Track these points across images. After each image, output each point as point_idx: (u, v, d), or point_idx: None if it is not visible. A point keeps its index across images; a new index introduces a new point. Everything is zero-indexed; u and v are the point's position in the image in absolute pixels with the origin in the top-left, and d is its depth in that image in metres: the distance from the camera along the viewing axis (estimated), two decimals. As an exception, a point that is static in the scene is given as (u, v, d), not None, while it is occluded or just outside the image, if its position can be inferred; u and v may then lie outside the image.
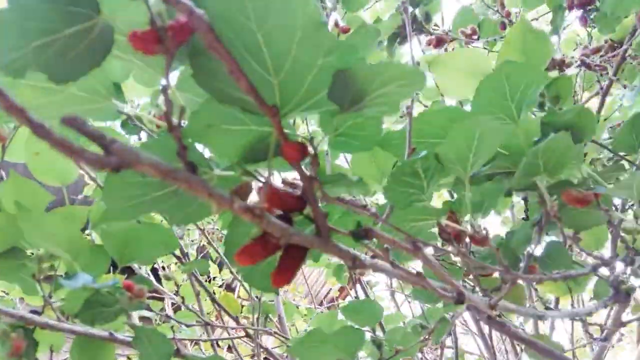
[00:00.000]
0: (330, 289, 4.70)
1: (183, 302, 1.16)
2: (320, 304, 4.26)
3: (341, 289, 4.48)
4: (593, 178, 0.65)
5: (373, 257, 0.48)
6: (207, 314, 1.43)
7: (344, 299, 4.68)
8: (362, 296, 3.36)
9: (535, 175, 0.52)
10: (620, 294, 1.04)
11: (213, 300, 1.22)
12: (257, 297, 1.40)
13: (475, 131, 0.44)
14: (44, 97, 0.55)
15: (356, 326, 0.94)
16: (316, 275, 4.88)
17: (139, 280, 0.89)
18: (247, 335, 1.21)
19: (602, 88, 1.43)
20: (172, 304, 2.21)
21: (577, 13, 1.35)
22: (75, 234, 0.85)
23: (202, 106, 0.45)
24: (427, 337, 0.85)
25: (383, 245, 0.51)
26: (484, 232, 0.50)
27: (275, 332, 1.34)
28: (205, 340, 1.21)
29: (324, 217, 0.46)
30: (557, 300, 1.47)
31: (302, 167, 0.44)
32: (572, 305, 1.17)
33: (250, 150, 0.47)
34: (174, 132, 0.36)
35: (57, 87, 0.55)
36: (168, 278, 1.06)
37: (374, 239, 0.51)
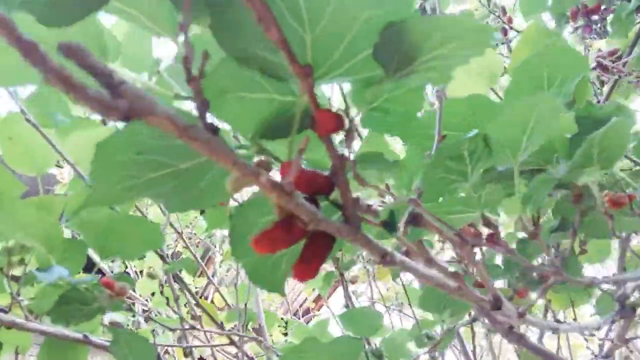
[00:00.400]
0: (306, 298, 4.62)
1: (168, 303, 1.08)
2: (295, 313, 4.18)
3: (317, 299, 4.40)
4: (624, 180, 0.60)
5: (406, 252, 0.42)
6: (183, 319, 1.35)
7: (319, 310, 4.60)
8: (340, 305, 3.27)
9: (587, 167, 0.46)
10: (626, 309, 1.00)
11: (198, 305, 1.14)
12: (245, 304, 1.32)
13: (533, 110, 0.39)
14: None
15: (353, 336, 0.87)
16: (291, 284, 4.80)
17: (120, 278, 0.81)
18: (232, 342, 1.13)
19: (598, 101, 1.41)
20: (143, 310, 2.11)
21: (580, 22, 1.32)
22: (52, 224, 0.77)
23: (217, 68, 0.38)
24: (433, 347, 0.80)
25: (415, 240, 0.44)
26: (532, 228, 0.44)
27: (261, 341, 1.27)
28: (186, 347, 1.13)
29: (354, 203, 0.40)
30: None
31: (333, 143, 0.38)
32: (575, 318, 1.12)
33: (269, 123, 0.41)
34: (193, 84, 0.29)
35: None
36: (152, 276, 0.98)
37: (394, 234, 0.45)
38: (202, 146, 0.29)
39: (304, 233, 0.38)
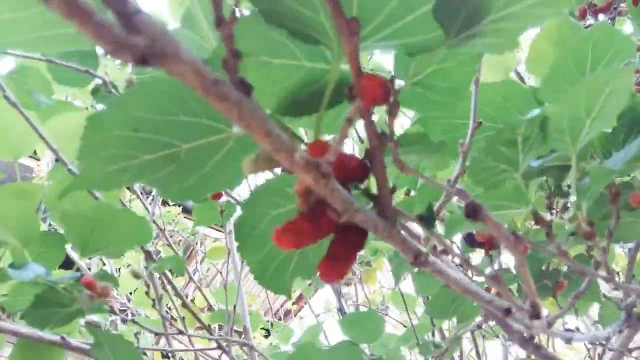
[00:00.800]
0: (286, 300, 4.54)
1: (154, 305, 1.00)
2: (276, 313, 4.11)
3: (297, 300, 4.33)
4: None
5: (443, 251, 0.37)
6: (175, 320, 1.27)
7: (299, 311, 4.53)
8: (322, 307, 3.22)
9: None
10: (632, 318, 0.97)
11: (184, 305, 1.07)
12: (234, 306, 1.25)
13: (606, 87, 0.33)
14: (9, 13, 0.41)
15: (351, 341, 0.81)
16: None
17: (102, 277, 0.74)
18: (219, 347, 1.07)
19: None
20: (121, 310, 2.02)
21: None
22: (28, 214, 0.70)
23: (237, 25, 0.32)
24: (440, 356, 0.74)
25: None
26: (588, 227, 0.39)
27: (251, 346, 1.20)
28: (170, 351, 1.06)
29: (390, 194, 0.34)
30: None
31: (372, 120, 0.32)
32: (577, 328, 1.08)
33: (295, 95, 0.35)
34: (223, 28, 0.23)
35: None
36: (137, 275, 0.91)
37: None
38: (231, 109, 0.23)
39: (334, 226, 0.32)
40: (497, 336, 1.13)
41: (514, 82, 0.51)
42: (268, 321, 2.08)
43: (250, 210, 0.45)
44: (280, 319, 3.85)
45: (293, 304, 4.12)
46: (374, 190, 0.35)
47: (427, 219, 0.36)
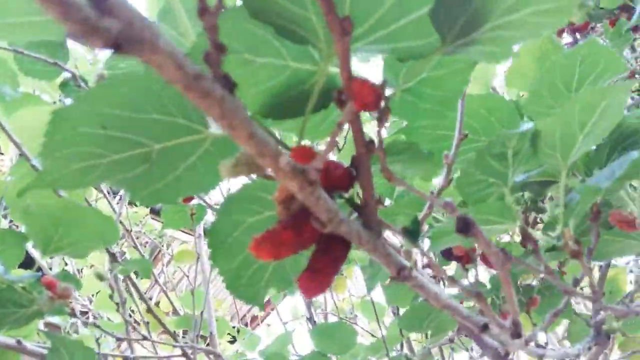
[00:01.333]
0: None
1: (118, 309, 0.96)
2: (242, 319, 4.05)
3: (265, 306, 4.28)
4: (635, 200, 0.56)
5: (427, 265, 0.35)
6: (138, 324, 1.23)
7: (265, 317, 4.48)
8: (289, 313, 3.19)
9: (634, 178, 0.41)
10: (601, 336, 0.97)
11: (149, 310, 1.03)
12: (202, 312, 1.22)
13: (601, 102, 0.33)
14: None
15: (321, 353, 0.79)
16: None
17: (64, 277, 0.71)
18: (184, 354, 1.03)
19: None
20: (82, 312, 1.96)
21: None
22: (-14, 211, 0.66)
23: (221, 20, 0.30)
24: (412, 371, 0.73)
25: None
26: (575, 245, 0.38)
27: (216, 353, 1.16)
28: (132, 358, 1.02)
29: (376, 204, 0.32)
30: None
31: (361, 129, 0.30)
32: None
33: (279, 97, 0.33)
34: (208, 20, 0.21)
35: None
36: (101, 277, 0.87)
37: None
38: (214, 106, 0.21)
39: (317, 236, 0.30)
40: (467, 349, 1.13)
41: (499, 96, 0.50)
42: (234, 327, 2.05)
43: (224, 216, 0.42)
44: (246, 325, 3.80)
45: (260, 310, 4.07)
46: (357, 199, 0.34)
47: (412, 233, 0.34)
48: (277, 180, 0.26)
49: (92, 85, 0.83)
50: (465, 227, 0.26)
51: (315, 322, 1.35)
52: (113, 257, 0.88)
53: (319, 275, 0.31)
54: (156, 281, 2.21)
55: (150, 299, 3.35)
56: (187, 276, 2.76)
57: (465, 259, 0.64)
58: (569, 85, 0.47)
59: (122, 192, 2.38)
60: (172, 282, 2.99)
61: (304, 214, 0.29)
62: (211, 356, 1.14)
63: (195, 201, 1.04)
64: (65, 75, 0.85)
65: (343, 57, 0.27)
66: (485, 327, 0.55)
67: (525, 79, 0.74)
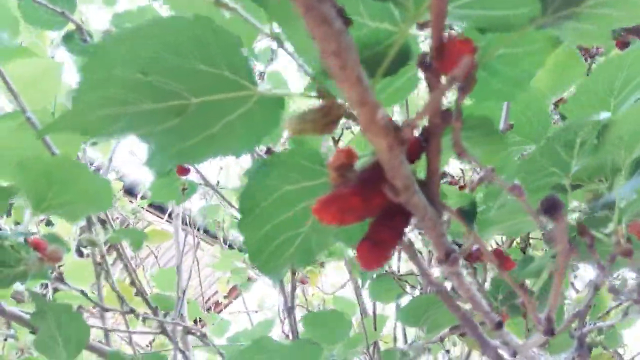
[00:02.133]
0: (217, 291, 4.42)
1: (107, 276, 0.91)
2: (206, 302, 4.00)
3: (230, 292, 4.22)
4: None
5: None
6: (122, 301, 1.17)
7: (228, 304, 4.42)
8: (255, 303, 3.15)
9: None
10: (584, 348, 0.98)
11: (132, 283, 0.99)
12: (184, 291, 1.18)
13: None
14: None
15: (313, 341, 0.77)
16: (205, 273, 4.62)
17: (52, 239, 0.67)
18: (164, 332, 0.99)
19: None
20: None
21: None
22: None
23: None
24: (405, 365, 0.72)
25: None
26: (627, 243, 0.37)
27: (204, 334, 1.13)
28: (118, 332, 0.98)
29: (440, 179, 0.31)
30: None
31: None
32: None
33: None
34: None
35: None
36: (93, 243, 0.82)
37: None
38: (330, 37, 0.18)
39: (385, 205, 0.28)
40: (446, 351, 1.13)
41: (539, 92, 0.49)
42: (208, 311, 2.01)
43: (258, 181, 0.40)
44: (208, 311, 3.75)
45: (225, 297, 4.02)
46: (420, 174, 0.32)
47: (469, 214, 0.33)
48: (365, 134, 0.24)
49: (99, 40, 0.79)
50: (553, 207, 0.25)
51: (293, 313, 1.33)
52: (103, 223, 0.85)
53: (380, 247, 0.29)
54: (124, 258, 2.15)
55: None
56: (156, 256, 2.70)
57: (474, 257, 0.63)
58: (611, 91, 0.46)
59: (96, 163, 2.31)
60: (138, 261, 2.92)
61: (375, 181, 0.27)
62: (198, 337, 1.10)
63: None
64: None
65: (437, 16, 0.25)
66: (499, 325, 0.54)
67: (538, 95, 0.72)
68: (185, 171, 0.88)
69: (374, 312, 1.51)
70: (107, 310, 0.93)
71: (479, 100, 0.31)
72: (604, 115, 0.34)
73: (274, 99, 0.36)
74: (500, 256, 0.67)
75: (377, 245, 0.29)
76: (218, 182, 1.78)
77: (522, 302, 0.80)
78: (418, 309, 0.73)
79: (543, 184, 0.37)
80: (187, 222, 2.51)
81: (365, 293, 1.85)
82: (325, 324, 0.77)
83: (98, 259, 1.11)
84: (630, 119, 0.34)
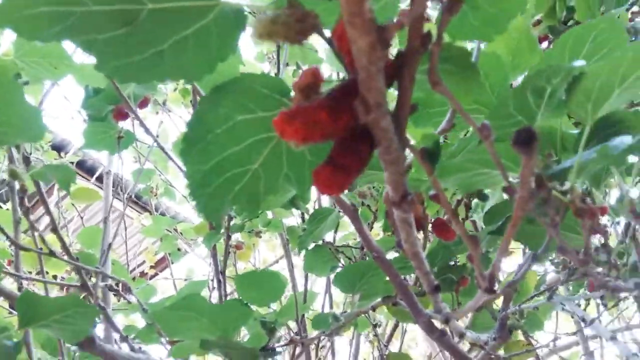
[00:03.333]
0: (144, 261, 4.30)
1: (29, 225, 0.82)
2: (131, 272, 3.87)
3: (157, 264, 4.10)
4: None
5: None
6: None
7: (154, 276, 4.31)
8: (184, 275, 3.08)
9: None
10: (504, 330, 1.01)
11: (54, 230, 0.92)
12: (109, 244, 1.11)
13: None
14: None
15: (244, 302, 0.75)
16: (133, 241, 4.49)
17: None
18: (83, 286, 0.93)
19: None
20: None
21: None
22: None
23: None
24: (337, 329, 0.71)
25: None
26: (582, 204, 0.36)
27: (126, 286, 1.08)
28: (33, 280, 0.91)
29: (409, 112, 0.29)
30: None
31: None
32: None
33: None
34: None
35: None
36: (16, 174, 0.74)
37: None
38: None
39: (351, 125, 0.26)
40: (375, 325, 1.13)
41: (502, 61, 0.49)
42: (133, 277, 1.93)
43: (211, 107, 0.37)
44: (133, 280, 3.63)
45: (152, 267, 3.90)
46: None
47: (432, 155, 0.31)
48: (347, 29, 0.21)
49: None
50: (528, 139, 0.24)
51: (224, 279, 1.30)
52: (26, 160, 0.78)
53: (342, 172, 0.27)
54: (47, 212, 2.03)
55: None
56: (82, 217, 2.58)
57: (417, 226, 0.63)
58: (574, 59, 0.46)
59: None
60: (63, 223, 2.78)
61: (344, 97, 0.25)
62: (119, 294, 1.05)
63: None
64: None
65: None
66: (437, 288, 0.54)
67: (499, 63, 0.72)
68: (123, 116, 0.83)
69: (305, 288, 1.51)
70: (22, 248, 0.86)
71: (456, 36, 0.30)
72: (579, 62, 0.34)
73: (234, 16, 0.33)
74: (441, 226, 0.67)
75: (340, 169, 0.27)
76: (157, 135, 1.71)
77: (459, 279, 0.81)
78: (355, 274, 0.72)
79: (508, 133, 0.37)
80: (118, 188, 2.41)
81: (297, 271, 1.85)
82: (259, 285, 0.75)
83: (18, 193, 1.02)
84: (602, 72, 0.33)
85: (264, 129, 0.37)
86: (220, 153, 0.38)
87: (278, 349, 0.73)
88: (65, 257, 0.87)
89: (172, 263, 2.57)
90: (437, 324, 0.66)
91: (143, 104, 0.83)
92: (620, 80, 0.33)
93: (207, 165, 0.38)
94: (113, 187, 2.11)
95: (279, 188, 0.41)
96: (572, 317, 1.42)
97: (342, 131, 0.26)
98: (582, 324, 1.33)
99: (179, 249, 2.46)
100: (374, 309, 0.80)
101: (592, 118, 0.36)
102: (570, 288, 1.56)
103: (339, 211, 0.82)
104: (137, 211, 4.30)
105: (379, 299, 0.78)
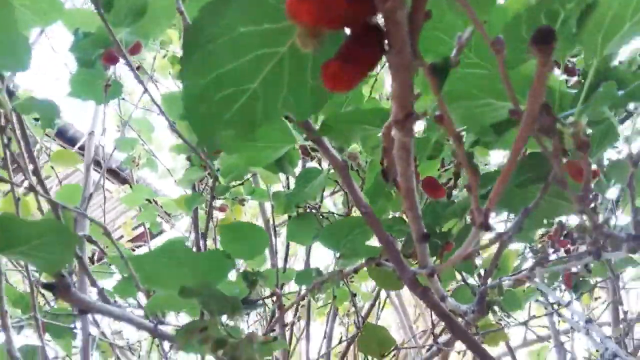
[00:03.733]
0: (122, 236, 4.25)
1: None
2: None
3: (135, 239, 4.05)
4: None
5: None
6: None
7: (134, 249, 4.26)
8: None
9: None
10: (482, 305, 1.02)
11: (35, 173, 0.89)
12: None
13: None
14: None
15: (226, 252, 0.74)
16: (113, 215, 4.46)
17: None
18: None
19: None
20: None
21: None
22: None
23: None
24: (318, 284, 0.70)
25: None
26: (585, 137, 0.36)
27: (97, 243, 1.06)
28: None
29: (423, 19, 0.28)
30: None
31: None
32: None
33: None
34: None
35: None
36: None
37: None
38: None
39: (365, 13, 0.25)
40: (353, 294, 1.13)
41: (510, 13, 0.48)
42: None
43: (213, 15, 0.36)
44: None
45: (129, 241, 3.86)
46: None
47: (441, 71, 0.31)
48: None
49: None
50: (547, 37, 0.23)
51: (205, 241, 1.28)
52: (10, 93, 0.75)
53: (351, 65, 0.26)
54: (24, 174, 1.99)
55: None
56: (61, 182, 2.53)
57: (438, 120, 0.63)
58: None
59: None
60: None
61: (361, -18, 0.24)
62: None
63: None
64: None
65: None
66: (426, 237, 0.54)
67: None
68: (113, 60, 0.81)
69: (286, 255, 1.51)
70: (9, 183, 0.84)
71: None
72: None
73: None
74: (431, 184, 0.67)
75: (349, 63, 0.26)
76: (153, 73, 1.67)
77: (444, 244, 0.81)
78: (341, 230, 0.71)
79: (517, 59, 0.36)
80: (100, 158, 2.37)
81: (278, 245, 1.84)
82: (242, 237, 0.74)
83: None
84: (614, 2, 0.33)
85: (267, 43, 0.36)
86: (220, 66, 0.37)
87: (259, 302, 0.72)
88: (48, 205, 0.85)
89: (153, 238, 2.55)
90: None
91: (135, 49, 0.81)
92: (632, 13, 0.33)
93: (206, 79, 0.37)
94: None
95: (277, 113, 0.41)
96: (546, 302, 1.44)
97: (356, 18, 0.25)
98: (556, 308, 1.35)
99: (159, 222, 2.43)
100: (356, 271, 0.79)
101: (601, 53, 0.35)
102: (546, 280, 1.58)
103: (329, 170, 0.81)
104: (117, 184, 4.25)
105: (362, 261, 0.78)
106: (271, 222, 1.67)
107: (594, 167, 0.56)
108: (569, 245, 1.03)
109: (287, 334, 1.62)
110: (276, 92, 0.39)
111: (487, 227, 0.39)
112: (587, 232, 0.59)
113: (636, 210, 0.44)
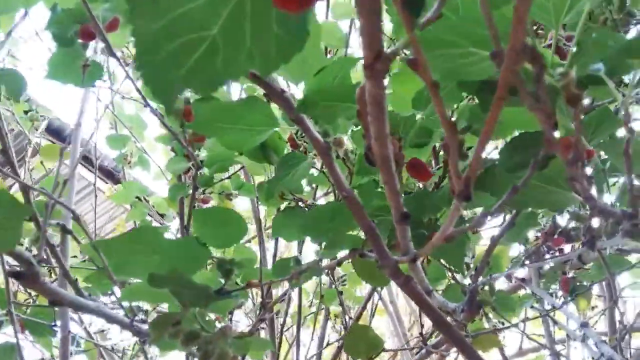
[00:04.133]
0: (114, 229, 4.20)
1: None
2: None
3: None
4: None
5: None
6: None
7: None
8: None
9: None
10: (473, 304, 0.98)
11: (4, 151, 0.85)
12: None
13: None
14: None
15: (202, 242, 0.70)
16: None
17: None
18: (32, 218, 0.87)
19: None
20: None
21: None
22: None
23: None
24: (297, 274, 0.66)
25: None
26: (576, 90, 0.32)
27: (72, 232, 1.02)
28: None
29: None
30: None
31: None
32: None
33: None
34: None
35: None
36: None
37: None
38: None
39: None
40: (336, 286, 1.09)
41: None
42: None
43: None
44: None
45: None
46: None
47: (414, 4, 0.27)
48: None
49: None
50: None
51: (189, 233, 1.24)
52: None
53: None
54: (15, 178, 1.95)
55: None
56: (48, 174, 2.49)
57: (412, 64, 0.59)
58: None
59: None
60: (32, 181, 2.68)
61: None
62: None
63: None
64: None
65: None
66: (406, 216, 0.50)
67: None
68: (89, 36, 0.77)
69: (275, 255, 1.47)
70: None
71: None
72: None
73: None
74: (417, 166, 0.63)
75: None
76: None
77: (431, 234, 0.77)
78: (324, 217, 0.67)
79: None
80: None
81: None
82: (218, 224, 0.70)
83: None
84: None
85: (225, -17, 0.33)
86: (174, 9, 0.33)
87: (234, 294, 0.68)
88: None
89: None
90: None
91: (112, 25, 0.77)
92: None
93: (158, 24, 0.33)
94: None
95: (240, 68, 0.37)
96: (542, 309, 1.39)
97: None
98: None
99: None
100: (339, 263, 0.75)
101: (558, 23, 0.31)
102: (541, 285, 1.54)
103: (314, 156, 0.77)
104: (110, 184, 4.20)
105: (346, 252, 0.73)
106: (263, 222, 1.63)
107: (589, 148, 0.52)
108: (563, 244, 0.99)
109: (277, 340, 1.57)
110: (238, 43, 0.35)
111: (467, 197, 0.35)
112: (581, 220, 0.55)
113: (632, 184, 0.40)
